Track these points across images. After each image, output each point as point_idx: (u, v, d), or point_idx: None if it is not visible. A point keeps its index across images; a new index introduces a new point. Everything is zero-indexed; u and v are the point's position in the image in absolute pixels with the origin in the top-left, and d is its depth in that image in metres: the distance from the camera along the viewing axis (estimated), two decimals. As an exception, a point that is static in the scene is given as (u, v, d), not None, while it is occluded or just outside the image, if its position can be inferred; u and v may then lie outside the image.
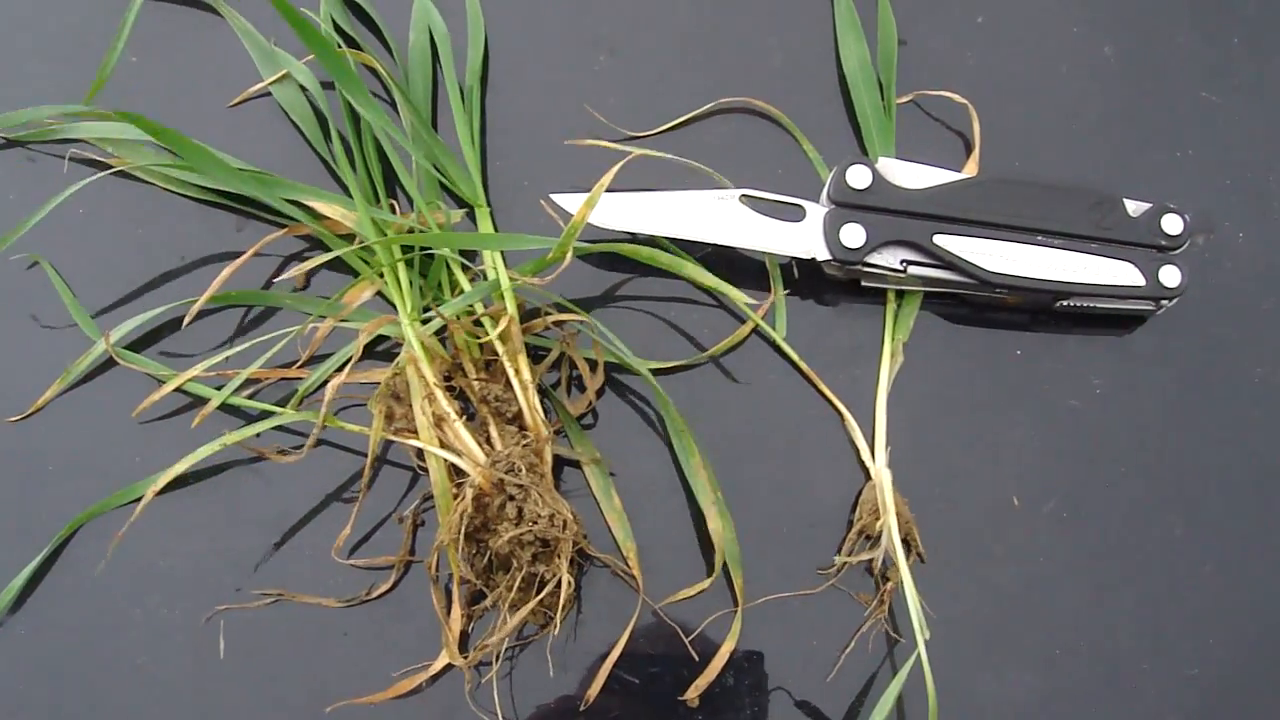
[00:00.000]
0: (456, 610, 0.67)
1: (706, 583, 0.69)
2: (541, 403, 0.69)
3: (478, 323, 0.69)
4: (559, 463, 0.71)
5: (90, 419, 0.72)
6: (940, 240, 0.70)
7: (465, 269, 0.70)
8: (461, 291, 0.69)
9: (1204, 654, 0.71)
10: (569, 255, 0.63)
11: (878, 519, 0.69)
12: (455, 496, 0.65)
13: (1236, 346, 0.76)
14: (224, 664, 0.69)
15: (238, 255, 0.71)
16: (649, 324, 0.74)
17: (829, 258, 0.70)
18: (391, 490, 0.71)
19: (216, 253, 0.75)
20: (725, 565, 0.68)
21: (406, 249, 0.71)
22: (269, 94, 0.77)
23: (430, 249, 0.69)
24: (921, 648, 0.65)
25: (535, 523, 0.63)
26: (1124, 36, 0.81)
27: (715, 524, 0.69)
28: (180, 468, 0.64)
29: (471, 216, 0.74)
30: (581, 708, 0.67)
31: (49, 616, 0.70)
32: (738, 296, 0.69)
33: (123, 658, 0.69)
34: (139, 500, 0.68)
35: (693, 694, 0.67)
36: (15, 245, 0.73)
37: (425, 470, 0.68)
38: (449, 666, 0.68)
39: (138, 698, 0.69)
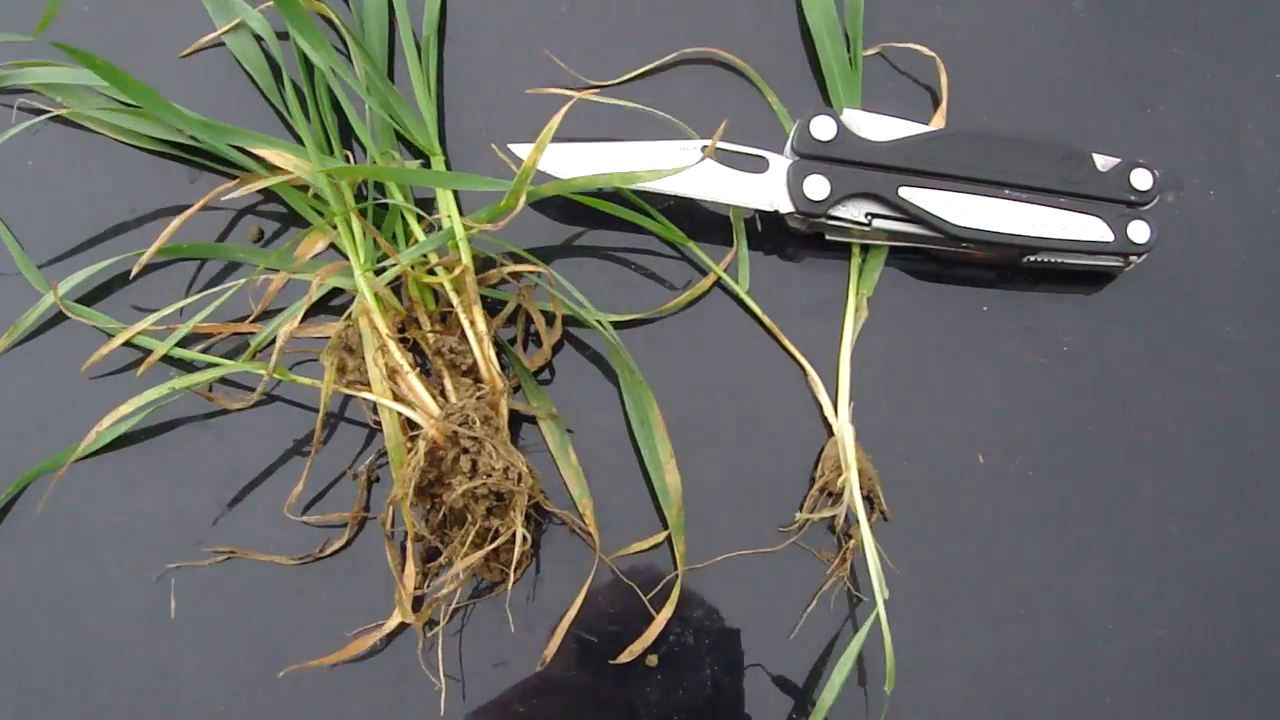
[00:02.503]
0: (410, 567, 0.66)
1: (659, 538, 0.68)
2: (498, 358, 0.67)
3: (432, 272, 0.67)
4: (515, 419, 0.70)
5: (38, 374, 0.71)
6: (906, 193, 0.69)
7: (420, 219, 0.69)
8: (416, 244, 0.68)
9: (1170, 614, 0.70)
10: (521, 200, 0.62)
11: (840, 475, 0.68)
12: (409, 450, 0.64)
13: (1206, 304, 0.75)
14: (174, 624, 0.68)
15: (190, 207, 0.69)
16: (608, 277, 0.73)
17: (792, 210, 0.69)
18: (346, 447, 0.70)
19: (169, 205, 0.73)
20: (680, 524, 0.67)
21: (360, 199, 0.69)
22: (222, 44, 0.75)
23: (384, 200, 0.68)
24: (880, 607, 0.64)
25: (489, 475, 0.62)
26: (1094, -10, 0.80)
27: (673, 479, 0.68)
28: (126, 409, 0.63)
29: (429, 168, 0.72)
30: (538, 667, 0.66)
31: (-5, 575, 0.69)
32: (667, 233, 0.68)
33: (71, 617, 0.68)
34: (87, 457, 0.68)
35: (627, 657, 0.66)
36: (-39, 196, 0.71)
37: (380, 426, 0.67)
38: (404, 625, 0.66)
39: (86, 658, 0.67)
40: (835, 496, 0.69)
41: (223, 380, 0.70)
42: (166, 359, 0.68)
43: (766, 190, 0.69)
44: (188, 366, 0.70)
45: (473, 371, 0.67)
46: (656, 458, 0.68)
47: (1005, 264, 0.73)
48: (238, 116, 0.73)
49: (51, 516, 0.68)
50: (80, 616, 0.68)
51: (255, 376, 0.69)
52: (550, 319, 0.70)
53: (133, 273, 0.68)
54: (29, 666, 0.67)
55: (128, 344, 0.68)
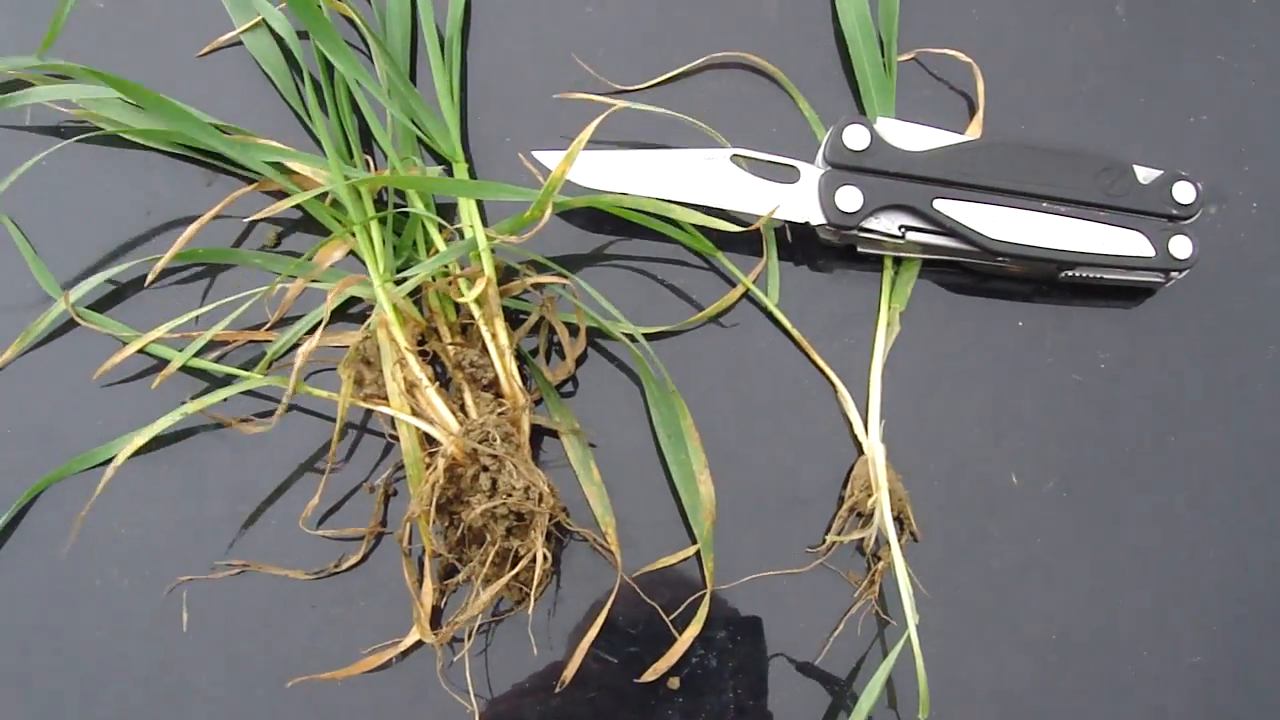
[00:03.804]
0: (428, 584, 0.64)
1: (688, 552, 0.67)
2: (520, 370, 0.66)
3: (453, 284, 0.66)
4: (537, 432, 0.68)
5: (50, 381, 0.69)
6: (941, 205, 0.67)
7: (441, 229, 0.68)
8: (437, 253, 0.66)
9: (1207, 641, 0.69)
10: (548, 212, 0.61)
11: (870, 496, 0.67)
12: (427, 466, 0.63)
13: (1248, 321, 0.73)
14: (187, 637, 0.66)
15: (207, 210, 0.67)
16: (634, 287, 0.71)
17: (824, 222, 0.67)
18: (363, 459, 0.69)
19: (184, 209, 0.71)
20: (709, 538, 0.66)
21: (380, 206, 0.68)
22: (240, 44, 0.73)
23: (405, 207, 0.66)
24: (912, 630, 0.63)
25: (509, 495, 0.60)
26: (1137, -5, 0.78)
27: (706, 490, 0.66)
28: (140, 439, 0.62)
29: (451, 174, 0.71)
30: (557, 688, 0.64)
31: (6, 586, 0.67)
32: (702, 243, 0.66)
33: (82, 629, 0.67)
34: (100, 466, 0.67)
35: (650, 676, 0.64)
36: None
37: (398, 439, 0.66)
38: (420, 643, 0.65)
39: (98, 671, 0.66)
40: (865, 517, 0.67)
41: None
42: (181, 368, 0.67)
43: (797, 201, 0.68)
44: (203, 374, 0.68)
45: (494, 386, 0.65)
46: (688, 469, 0.67)
47: (1042, 278, 0.71)
48: (255, 117, 0.72)
49: (63, 527, 0.67)
50: (92, 628, 0.67)
51: (270, 386, 0.68)
52: (574, 330, 0.68)
53: (148, 279, 0.67)
54: (40, 678, 0.66)
55: (141, 351, 0.67)
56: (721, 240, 0.70)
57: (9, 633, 0.67)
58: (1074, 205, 0.68)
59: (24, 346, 0.69)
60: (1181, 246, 0.68)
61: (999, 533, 0.69)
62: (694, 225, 0.67)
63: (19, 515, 0.68)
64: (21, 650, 0.66)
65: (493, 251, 0.66)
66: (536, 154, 0.68)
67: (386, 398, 0.64)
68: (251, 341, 0.69)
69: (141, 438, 0.62)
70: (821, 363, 0.70)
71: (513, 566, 0.62)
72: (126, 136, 0.71)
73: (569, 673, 0.64)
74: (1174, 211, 0.68)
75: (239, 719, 0.66)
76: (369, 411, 0.69)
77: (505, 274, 0.68)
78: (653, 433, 0.68)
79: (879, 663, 0.65)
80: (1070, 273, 0.69)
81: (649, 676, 0.64)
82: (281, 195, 0.70)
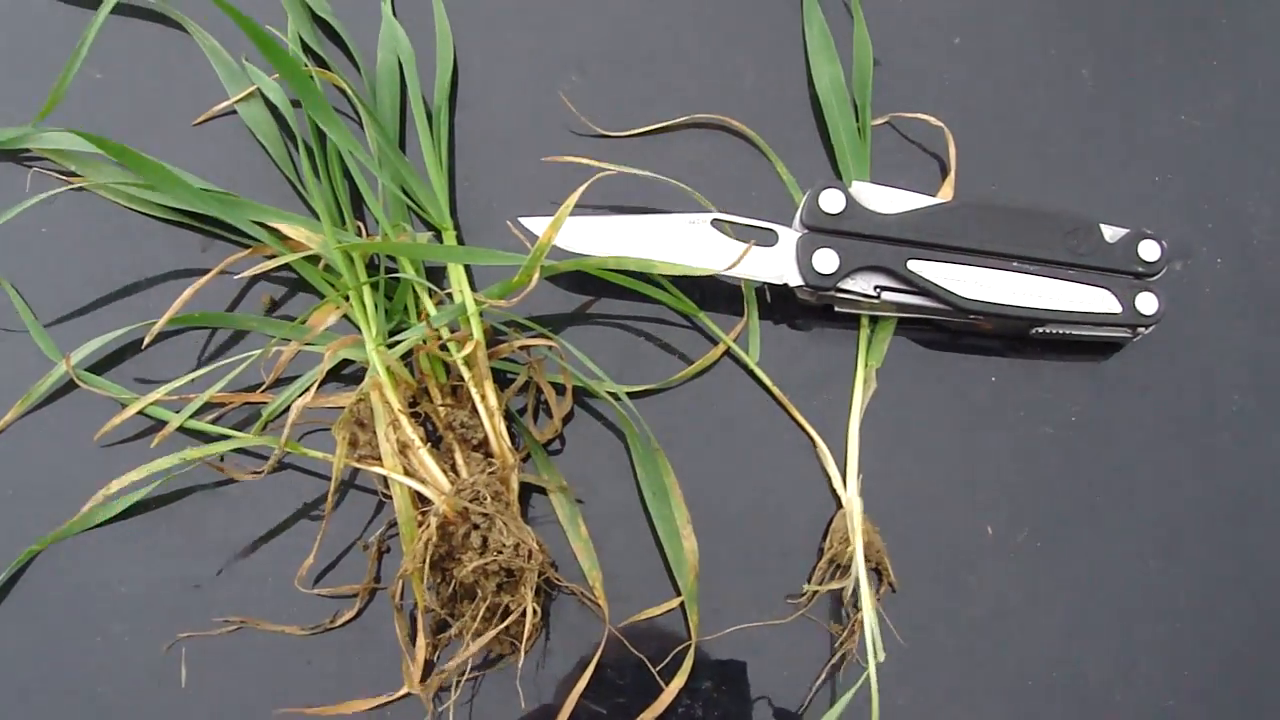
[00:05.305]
0: (421, 639, 0.66)
1: (672, 604, 0.68)
2: (508, 428, 0.68)
3: (444, 347, 0.68)
4: (526, 489, 0.70)
5: (51, 442, 0.71)
6: (914, 266, 0.69)
7: (431, 293, 0.69)
8: (428, 316, 0.68)
9: (1177, 686, 0.70)
10: (535, 278, 0.63)
11: (848, 547, 0.68)
12: (420, 525, 0.64)
13: (1214, 374, 0.75)
14: (185, 692, 0.68)
15: (203, 275, 0.69)
16: (619, 347, 0.73)
17: (802, 283, 0.69)
18: (356, 516, 0.70)
19: (181, 273, 0.74)
20: (694, 591, 0.68)
21: (372, 272, 0.70)
22: (234, 112, 0.76)
23: (396, 272, 0.68)
24: (872, 670, 0.64)
25: (500, 552, 0.62)
26: (1102, 59, 0.81)
27: (689, 544, 0.68)
28: (136, 475, 0.63)
29: (440, 240, 0.73)
30: (546, 740, 0.66)
31: (6, 643, 0.68)
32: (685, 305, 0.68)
33: (82, 685, 0.68)
34: (99, 525, 0.68)
35: None
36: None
37: (390, 497, 0.67)
38: (410, 695, 0.66)
39: (97, 726, 0.67)
40: (844, 568, 0.69)
41: (234, 449, 0.70)
42: (178, 428, 0.68)
43: (776, 264, 0.70)
44: (200, 436, 0.70)
45: (484, 445, 0.67)
46: (672, 525, 0.68)
47: (1013, 335, 0.73)
48: (249, 185, 0.74)
49: (63, 585, 0.68)
50: (91, 684, 0.68)
51: (266, 446, 0.69)
52: (561, 390, 0.70)
53: (145, 342, 0.68)
54: (40, 734, 0.67)
55: (140, 413, 0.68)
56: (703, 301, 0.72)
57: (9, 690, 0.68)
58: (1043, 264, 0.70)
59: (25, 408, 0.71)
60: (1147, 303, 0.70)
61: (975, 582, 0.71)
62: (675, 284, 0.69)
63: (19, 573, 0.69)
64: (22, 707, 0.68)
65: (481, 315, 0.68)
66: (523, 220, 0.70)
67: (380, 458, 0.66)
68: (248, 403, 0.71)
69: (138, 474, 0.64)
70: (801, 419, 0.72)
71: (503, 621, 0.63)
72: (124, 203, 0.74)
73: (558, 724, 0.65)
74: (1140, 269, 0.70)
75: (236, 772, 0.67)
76: (359, 469, 0.70)
77: (494, 335, 0.70)
78: (638, 488, 0.70)
79: (865, 710, 0.66)
80: (1040, 329, 0.71)
81: (636, 727, 0.66)
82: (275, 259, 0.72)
